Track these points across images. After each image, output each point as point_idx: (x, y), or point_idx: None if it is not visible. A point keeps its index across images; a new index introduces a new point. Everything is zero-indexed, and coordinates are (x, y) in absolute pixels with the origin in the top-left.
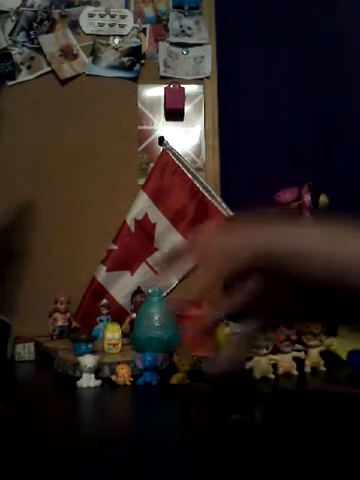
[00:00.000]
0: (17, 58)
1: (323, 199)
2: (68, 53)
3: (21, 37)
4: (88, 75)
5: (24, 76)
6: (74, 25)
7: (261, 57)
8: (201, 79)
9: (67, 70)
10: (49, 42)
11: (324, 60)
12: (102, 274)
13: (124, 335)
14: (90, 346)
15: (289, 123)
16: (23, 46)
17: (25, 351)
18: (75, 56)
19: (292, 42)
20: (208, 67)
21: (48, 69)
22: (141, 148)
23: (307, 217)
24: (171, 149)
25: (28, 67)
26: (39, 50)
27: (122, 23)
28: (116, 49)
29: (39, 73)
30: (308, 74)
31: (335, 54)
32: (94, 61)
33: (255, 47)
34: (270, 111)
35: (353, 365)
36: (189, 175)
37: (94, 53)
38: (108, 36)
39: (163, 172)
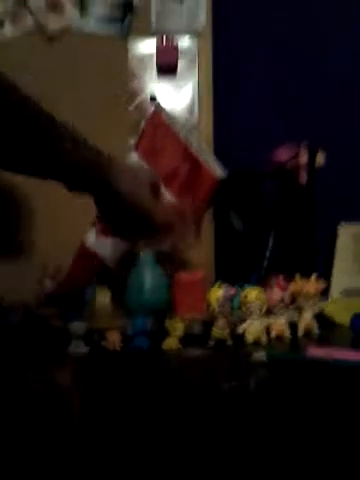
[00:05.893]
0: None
1: (320, 157)
2: (55, 5)
3: None
4: (75, 30)
5: (7, 32)
6: None
7: (260, 6)
8: (196, 32)
9: (53, 24)
10: None
11: (333, 12)
12: (92, 239)
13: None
14: (79, 312)
15: (289, 77)
16: None
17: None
18: (62, 8)
19: None
20: (203, 19)
21: (33, 24)
22: (132, 106)
23: None
24: (163, 109)
25: (12, 22)
26: (24, 3)
27: None
28: (106, 0)
29: (24, 30)
30: (314, 25)
31: (347, 9)
32: (82, 14)
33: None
34: (268, 64)
35: (356, 329)
36: (181, 135)
37: (82, 5)
38: None
39: (155, 133)
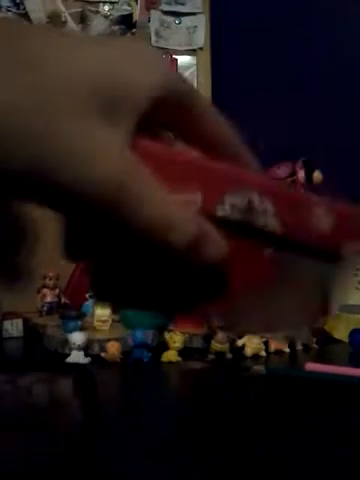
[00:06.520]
0: None
1: (317, 176)
2: (56, 20)
3: (6, 2)
4: None
5: None
6: None
7: (257, 27)
8: (194, 50)
9: None
10: (36, 8)
11: (325, 37)
12: None
13: (114, 311)
14: (79, 323)
15: (287, 94)
16: (8, 11)
17: (13, 328)
18: (63, 23)
19: (291, 12)
20: (201, 37)
21: None
22: None
23: None
24: None
25: None
26: (25, 16)
27: None
28: (106, 17)
29: None
30: (308, 51)
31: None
32: (83, 29)
33: (250, 17)
34: (267, 81)
35: (355, 344)
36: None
37: (83, 21)
38: (98, 3)
39: None
